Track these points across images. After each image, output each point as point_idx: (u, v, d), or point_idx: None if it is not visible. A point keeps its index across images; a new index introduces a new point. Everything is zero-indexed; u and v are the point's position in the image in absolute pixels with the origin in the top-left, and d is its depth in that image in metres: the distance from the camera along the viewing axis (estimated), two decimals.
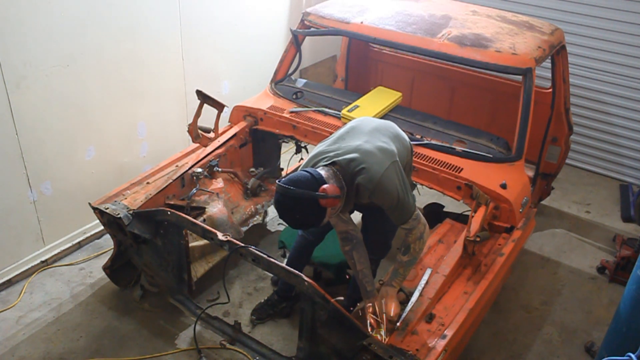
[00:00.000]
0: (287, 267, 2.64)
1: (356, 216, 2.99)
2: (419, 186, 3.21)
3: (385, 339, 2.43)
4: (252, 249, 2.67)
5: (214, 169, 3.49)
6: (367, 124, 2.60)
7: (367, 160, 2.36)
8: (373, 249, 2.83)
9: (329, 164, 2.36)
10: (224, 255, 3.39)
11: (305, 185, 2.22)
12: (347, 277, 3.29)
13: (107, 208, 3.04)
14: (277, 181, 2.25)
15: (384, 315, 2.50)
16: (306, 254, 3.24)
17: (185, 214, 3.03)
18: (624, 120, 4.84)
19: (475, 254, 2.85)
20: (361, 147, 2.41)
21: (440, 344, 2.38)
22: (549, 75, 3.77)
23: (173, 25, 4.04)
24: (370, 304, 2.59)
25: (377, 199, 2.40)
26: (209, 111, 3.36)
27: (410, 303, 2.57)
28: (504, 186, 3.02)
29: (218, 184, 3.51)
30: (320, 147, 2.50)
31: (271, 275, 3.60)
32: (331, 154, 2.40)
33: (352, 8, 3.73)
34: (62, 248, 3.78)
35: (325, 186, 2.22)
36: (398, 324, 2.48)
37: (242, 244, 2.71)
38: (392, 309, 2.50)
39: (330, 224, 2.69)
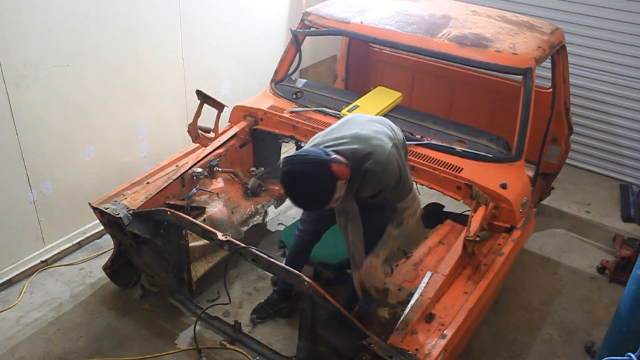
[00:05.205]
0: (287, 267, 2.64)
1: None
2: (419, 186, 3.21)
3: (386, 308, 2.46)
4: (253, 249, 2.67)
5: (214, 168, 3.49)
6: (362, 117, 2.66)
7: (371, 144, 2.40)
8: (371, 246, 2.83)
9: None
10: (224, 255, 3.39)
11: (315, 153, 2.26)
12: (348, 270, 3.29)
13: (107, 208, 3.04)
14: (282, 158, 2.26)
15: (373, 287, 2.57)
16: (304, 254, 3.24)
17: (185, 214, 3.03)
18: (624, 120, 4.84)
19: (475, 254, 2.85)
20: (359, 134, 2.45)
21: (440, 343, 2.38)
22: (549, 75, 3.76)
23: (173, 25, 4.03)
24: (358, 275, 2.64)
25: (383, 182, 2.44)
26: (209, 111, 3.36)
27: (410, 303, 2.57)
28: (504, 186, 3.02)
29: (218, 183, 3.51)
30: (316, 139, 2.51)
31: (271, 275, 3.60)
32: (330, 143, 2.41)
33: (352, 8, 3.72)
34: (62, 248, 3.78)
35: (334, 156, 2.25)
36: (398, 320, 2.48)
37: (243, 244, 2.71)
38: (377, 279, 2.57)
39: (327, 223, 2.70)
